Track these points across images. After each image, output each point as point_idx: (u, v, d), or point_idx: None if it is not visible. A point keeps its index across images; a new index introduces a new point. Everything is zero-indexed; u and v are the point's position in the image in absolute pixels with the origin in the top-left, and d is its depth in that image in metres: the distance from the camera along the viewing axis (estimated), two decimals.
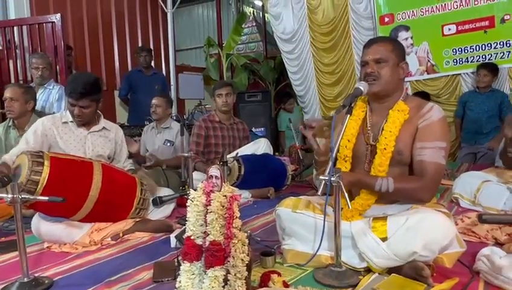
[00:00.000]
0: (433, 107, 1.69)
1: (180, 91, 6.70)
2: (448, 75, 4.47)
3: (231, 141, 3.57)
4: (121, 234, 2.15)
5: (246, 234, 1.32)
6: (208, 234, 1.29)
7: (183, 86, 6.90)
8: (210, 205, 1.30)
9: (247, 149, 3.38)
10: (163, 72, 6.57)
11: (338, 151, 1.79)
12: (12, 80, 4.19)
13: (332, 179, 1.47)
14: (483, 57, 4.23)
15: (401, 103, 1.72)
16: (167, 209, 2.54)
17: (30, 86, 3.25)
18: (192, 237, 1.32)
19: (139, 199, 2.24)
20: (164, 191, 2.61)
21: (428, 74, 4.55)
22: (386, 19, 4.71)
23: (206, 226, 1.31)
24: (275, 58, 6.82)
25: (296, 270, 1.66)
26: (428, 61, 4.53)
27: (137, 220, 2.25)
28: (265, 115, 5.80)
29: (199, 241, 1.32)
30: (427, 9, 4.45)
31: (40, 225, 2.02)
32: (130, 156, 2.69)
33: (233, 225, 1.28)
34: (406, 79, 4.67)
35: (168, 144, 3.68)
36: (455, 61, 4.38)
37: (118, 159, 2.51)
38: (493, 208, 2.35)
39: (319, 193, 1.48)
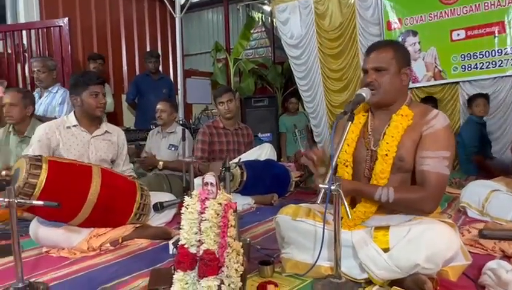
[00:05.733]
0: (438, 114, 1.64)
1: (187, 96, 6.70)
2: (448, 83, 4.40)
3: (236, 146, 3.54)
4: (120, 240, 2.13)
5: (241, 244, 1.28)
6: (202, 243, 1.26)
7: (191, 90, 6.89)
8: (204, 212, 1.26)
9: (250, 155, 3.35)
10: (171, 76, 6.58)
11: (338, 156, 1.75)
12: (21, 84, 4.22)
13: (332, 187, 1.43)
14: (493, 63, 4.15)
15: (406, 108, 1.67)
16: (168, 214, 2.51)
17: (29, 91, 3.27)
18: (186, 246, 1.28)
19: (138, 204, 2.21)
20: (166, 197, 2.59)
21: (435, 80, 4.48)
22: (394, 25, 4.65)
23: (201, 234, 1.27)
24: (282, 63, 6.79)
25: (295, 280, 1.62)
26: (436, 67, 4.45)
27: (137, 226, 2.23)
28: (272, 120, 5.76)
29: (193, 250, 1.28)
30: (435, 14, 4.38)
31: (39, 229, 2.01)
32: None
33: (228, 233, 1.24)
34: (412, 85, 4.62)
35: (173, 149, 3.67)
36: (463, 67, 4.30)
37: (118, 162, 2.49)
38: (501, 218, 2.28)
39: (318, 201, 1.44)
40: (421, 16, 4.48)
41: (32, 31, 4.13)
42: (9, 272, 1.78)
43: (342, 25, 5.04)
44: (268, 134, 5.48)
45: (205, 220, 1.25)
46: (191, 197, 1.32)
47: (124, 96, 5.74)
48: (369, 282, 1.51)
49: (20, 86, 4.20)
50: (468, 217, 2.45)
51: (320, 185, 1.45)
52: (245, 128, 3.72)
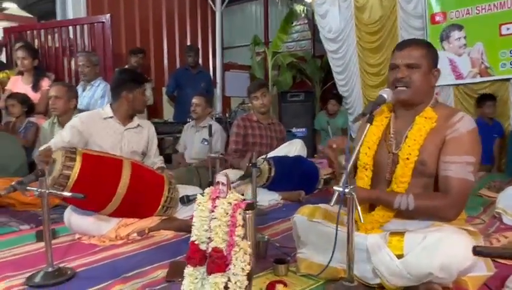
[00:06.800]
0: (464, 117, 1.56)
1: (226, 89, 6.80)
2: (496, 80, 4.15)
3: (268, 140, 3.57)
4: (146, 231, 2.23)
5: (249, 243, 1.30)
6: (212, 240, 1.30)
7: (230, 83, 6.98)
8: (214, 211, 1.30)
9: (280, 150, 3.36)
10: (211, 69, 6.69)
11: (358, 159, 1.73)
12: (67, 77, 4.47)
13: (346, 190, 1.41)
14: None
15: (429, 110, 1.61)
16: (194, 208, 2.58)
17: (72, 85, 3.47)
18: (196, 242, 1.33)
19: (166, 197, 2.29)
20: (194, 190, 2.65)
21: (481, 76, 4.24)
22: (438, 18, 4.45)
23: (211, 232, 1.31)
24: (322, 57, 6.70)
25: (308, 281, 1.63)
26: (482, 63, 4.21)
27: (164, 218, 2.31)
28: (307, 116, 5.72)
29: (203, 247, 1.33)
30: (483, 7, 4.14)
31: (71, 217, 2.14)
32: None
33: (236, 232, 1.27)
34: (457, 82, 4.41)
35: (206, 143, 3.75)
36: None
37: (149, 154, 2.60)
38: None
39: (332, 203, 1.43)
40: (467, 9, 4.26)
41: (78, 27, 4.35)
42: (43, 257, 1.91)
43: (382, 18, 4.90)
44: (303, 129, 5.46)
45: (214, 218, 1.29)
46: (203, 195, 1.36)
47: (164, 89, 5.92)
48: (381, 287, 1.49)
49: (66, 79, 4.45)
50: (503, 224, 2.33)
51: (335, 187, 1.44)
52: (278, 124, 3.74)
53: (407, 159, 1.56)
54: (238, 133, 3.46)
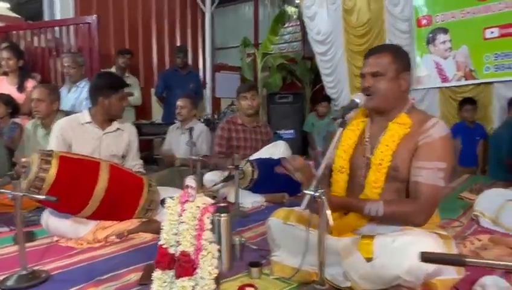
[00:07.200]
0: (437, 123, 1.58)
1: (216, 90, 6.79)
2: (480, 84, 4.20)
3: (253, 143, 3.57)
4: (125, 233, 2.22)
5: (217, 247, 1.31)
6: (180, 244, 1.30)
7: (220, 84, 6.97)
8: (183, 215, 1.30)
9: (264, 152, 3.36)
10: (201, 70, 6.68)
11: (334, 162, 1.75)
12: (53, 78, 4.44)
13: (316, 194, 1.42)
14: None
15: (404, 116, 1.63)
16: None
17: (56, 87, 3.44)
18: (165, 246, 1.33)
19: (145, 199, 2.29)
20: (176, 192, 2.65)
21: (466, 79, 4.29)
22: (424, 21, 4.49)
23: (180, 235, 1.31)
24: (312, 58, 6.71)
25: (281, 284, 1.63)
26: (467, 66, 4.26)
27: (144, 220, 2.31)
28: (296, 117, 5.73)
29: (172, 250, 1.33)
30: (468, 11, 4.19)
31: (49, 219, 2.14)
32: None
33: (203, 236, 1.28)
34: (442, 85, 4.45)
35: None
36: (496, 67, 4.09)
37: (128, 157, 2.58)
38: None
39: (302, 207, 1.44)
40: (452, 13, 4.30)
41: (64, 28, 4.33)
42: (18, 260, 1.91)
43: (369, 21, 4.93)
44: (292, 131, 5.47)
45: (182, 222, 1.29)
46: (173, 199, 1.36)
47: (153, 90, 5.90)
48: None
49: (53, 80, 4.43)
50: (480, 227, 2.36)
51: (305, 191, 1.45)
52: (264, 126, 3.74)
53: (380, 164, 1.58)
54: (222, 136, 3.47)
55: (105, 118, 2.47)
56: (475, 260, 0.85)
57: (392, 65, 1.61)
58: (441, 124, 1.59)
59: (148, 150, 5.07)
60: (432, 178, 1.50)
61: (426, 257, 0.87)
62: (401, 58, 1.66)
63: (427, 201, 1.50)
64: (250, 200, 3.01)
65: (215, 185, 3.09)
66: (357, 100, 1.60)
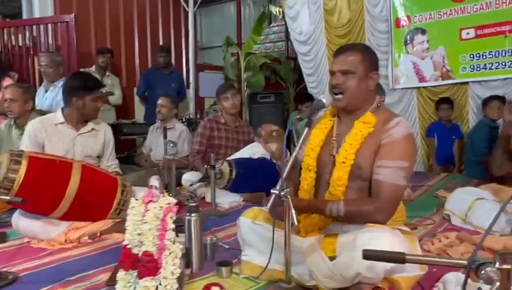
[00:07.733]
0: (400, 123, 1.61)
1: (200, 89, 6.78)
2: (456, 83, 4.27)
3: (234, 143, 3.57)
4: (98, 234, 2.21)
5: (180, 246, 1.31)
6: (143, 244, 1.31)
7: (204, 84, 6.96)
8: (146, 215, 1.31)
9: (244, 152, 3.37)
10: (184, 70, 6.66)
11: (302, 160, 1.77)
12: (31, 77, 4.39)
13: (281, 193, 1.44)
14: (503, 63, 4.00)
15: (369, 115, 1.66)
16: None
17: (29, 87, 3.39)
18: (129, 246, 1.33)
19: (119, 200, 2.28)
20: None
21: (443, 79, 4.36)
22: (402, 22, 4.55)
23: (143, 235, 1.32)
24: (295, 58, 6.74)
25: (250, 283, 1.65)
26: (444, 66, 4.33)
27: (117, 220, 2.30)
28: (277, 117, 5.74)
29: (136, 251, 1.33)
30: (444, 12, 4.26)
31: (19, 220, 2.12)
32: None
33: (167, 236, 1.28)
34: (420, 84, 4.52)
35: (171, 145, 3.73)
36: (472, 67, 4.16)
37: (103, 157, 2.57)
38: (483, 228, 2.23)
39: (267, 206, 1.45)
40: (430, 14, 4.36)
41: (42, 26, 4.28)
42: None
43: (350, 21, 4.97)
44: None
45: (145, 222, 1.30)
46: (170, 194, 1.37)
47: (135, 90, 5.86)
48: (317, 289, 1.52)
49: (30, 79, 4.37)
50: (451, 225, 2.41)
51: (272, 190, 1.46)
52: (245, 126, 3.75)
53: (343, 162, 1.60)
54: (203, 134, 3.46)
55: (80, 119, 2.46)
56: (414, 257, 0.86)
57: (361, 64, 1.63)
58: (403, 124, 1.62)
59: (129, 150, 5.04)
60: (393, 177, 1.53)
61: (368, 255, 0.90)
62: (371, 58, 1.69)
63: (387, 199, 1.53)
64: (228, 200, 3.02)
65: (191, 184, 3.09)
66: (323, 100, 1.62)
